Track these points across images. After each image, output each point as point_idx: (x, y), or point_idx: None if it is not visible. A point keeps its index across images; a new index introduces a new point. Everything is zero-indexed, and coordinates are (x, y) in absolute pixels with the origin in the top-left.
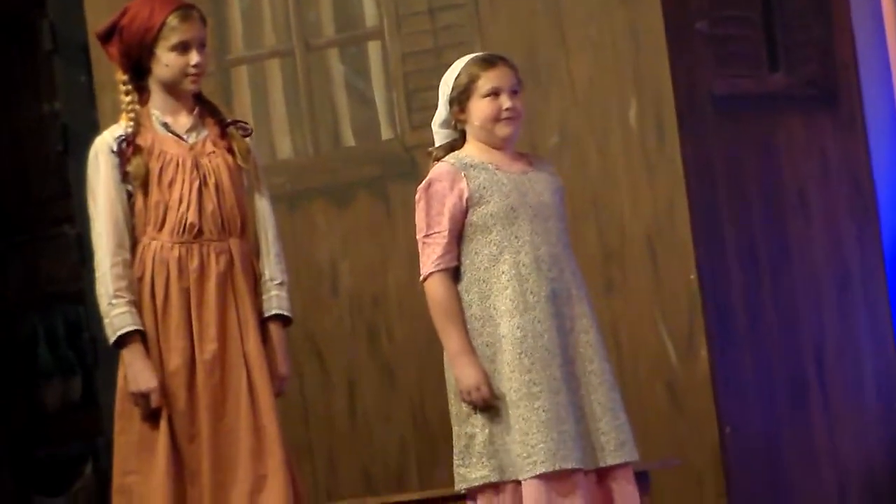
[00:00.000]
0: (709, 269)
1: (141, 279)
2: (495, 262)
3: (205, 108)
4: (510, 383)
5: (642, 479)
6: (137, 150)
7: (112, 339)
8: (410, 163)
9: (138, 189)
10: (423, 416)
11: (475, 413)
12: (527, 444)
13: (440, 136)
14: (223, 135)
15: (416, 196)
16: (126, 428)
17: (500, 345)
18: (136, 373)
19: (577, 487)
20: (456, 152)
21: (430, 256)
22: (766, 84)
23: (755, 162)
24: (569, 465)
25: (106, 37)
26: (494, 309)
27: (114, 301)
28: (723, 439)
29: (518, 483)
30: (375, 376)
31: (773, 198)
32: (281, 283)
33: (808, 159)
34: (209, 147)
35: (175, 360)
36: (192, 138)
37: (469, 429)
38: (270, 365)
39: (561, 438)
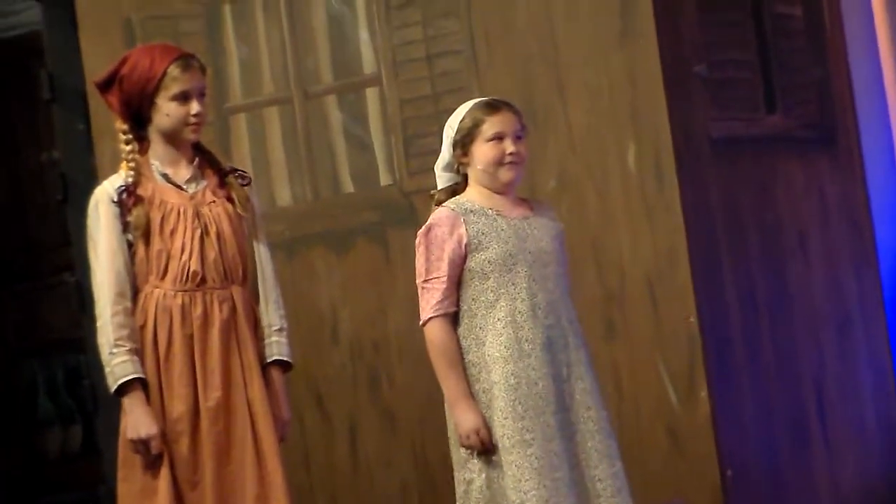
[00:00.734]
0: (708, 311)
1: (143, 327)
2: (492, 309)
3: (204, 158)
4: (503, 430)
5: None
6: (138, 200)
7: (113, 387)
8: (409, 209)
9: (139, 238)
10: (425, 460)
11: (473, 458)
12: (520, 490)
13: (442, 179)
14: (222, 184)
15: (417, 241)
16: (128, 476)
17: (494, 391)
18: (136, 419)
19: None
20: (457, 197)
21: (430, 301)
22: (763, 126)
23: (754, 204)
24: None
25: (105, 86)
26: (489, 355)
27: (115, 350)
28: (724, 481)
29: None
30: (376, 421)
31: (773, 240)
32: (280, 329)
33: (807, 201)
34: (209, 196)
35: (178, 407)
36: (192, 188)
37: (467, 474)
38: (272, 411)
39: (554, 486)
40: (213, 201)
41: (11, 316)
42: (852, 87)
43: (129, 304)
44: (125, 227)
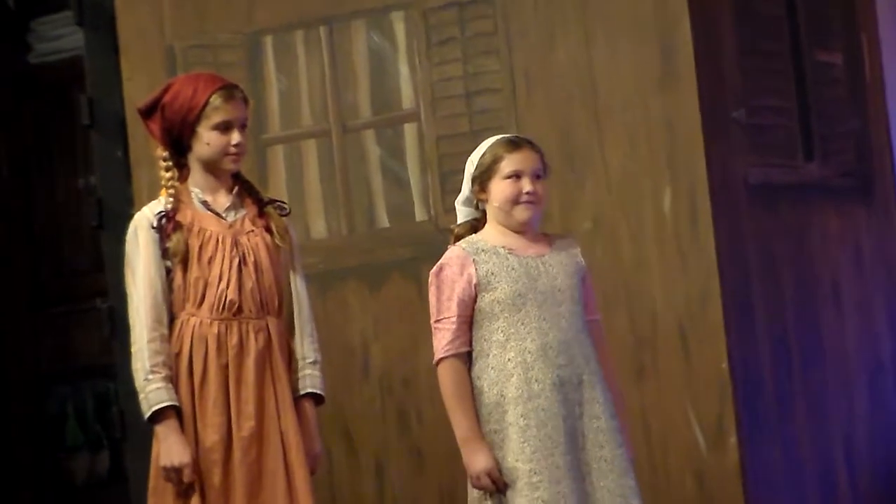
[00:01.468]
0: (740, 357)
1: (179, 354)
2: (503, 349)
3: (243, 187)
4: (514, 472)
5: None
6: (177, 226)
7: (147, 414)
8: (444, 245)
9: (177, 265)
10: (452, 499)
11: (486, 499)
12: None
13: (462, 213)
14: (261, 214)
15: (429, 280)
16: None
17: (507, 432)
18: (169, 447)
19: None
20: (471, 236)
21: (441, 342)
22: (800, 174)
23: (789, 251)
24: None
25: (148, 113)
26: (502, 396)
27: (150, 376)
28: None
29: None
30: (404, 458)
31: (806, 287)
32: (314, 362)
33: (842, 249)
34: (248, 226)
35: (212, 437)
36: (231, 217)
37: None
38: (304, 443)
39: None
40: (252, 231)
41: (43, 340)
42: (891, 137)
43: (165, 330)
44: (164, 253)
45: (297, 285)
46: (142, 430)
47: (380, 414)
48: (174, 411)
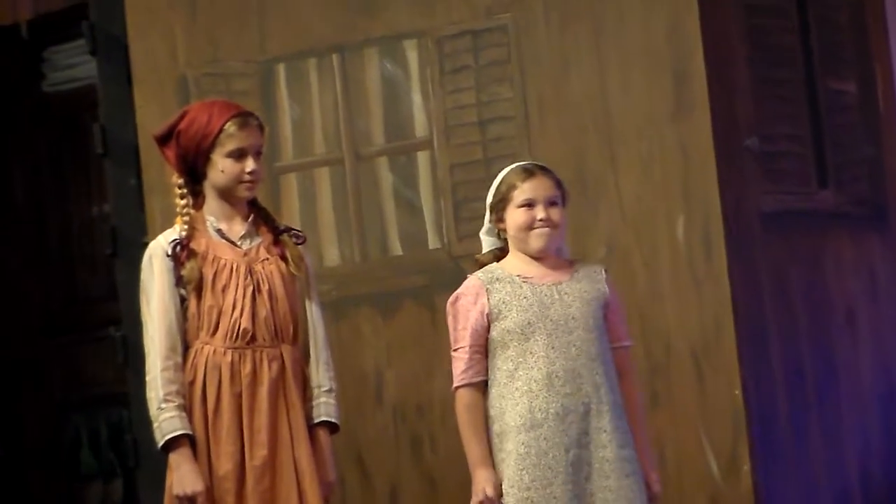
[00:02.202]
0: (754, 385)
1: (192, 383)
2: (511, 379)
3: (259, 215)
4: (509, 499)
5: None
6: (192, 254)
7: (160, 442)
8: (457, 273)
9: (192, 293)
10: None
11: None
12: None
13: (486, 243)
14: (276, 242)
15: (447, 309)
16: None
17: (508, 460)
18: (182, 476)
19: None
20: (491, 265)
21: (456, 371)
22: (814, 201)
23: (803, 279)
24: None
25: (163, 140)
26: (507, 425)
27: (163, 405)
28: None
29: None
30: (418, 486)
31: (821, 315)
32: (329, 391)
33: (857, 278)
34: (263, 254)
35: (225, 465)
36: (245, 245)
37: None
38: (318, 471)
39: None
40: (267, 259)
41: (57, 369)
42: None
43: (179, 359)
44: (178, 281)
45: (313, 313)
46: (155, 459)
47: (393, 441)
48: (188, 440)
